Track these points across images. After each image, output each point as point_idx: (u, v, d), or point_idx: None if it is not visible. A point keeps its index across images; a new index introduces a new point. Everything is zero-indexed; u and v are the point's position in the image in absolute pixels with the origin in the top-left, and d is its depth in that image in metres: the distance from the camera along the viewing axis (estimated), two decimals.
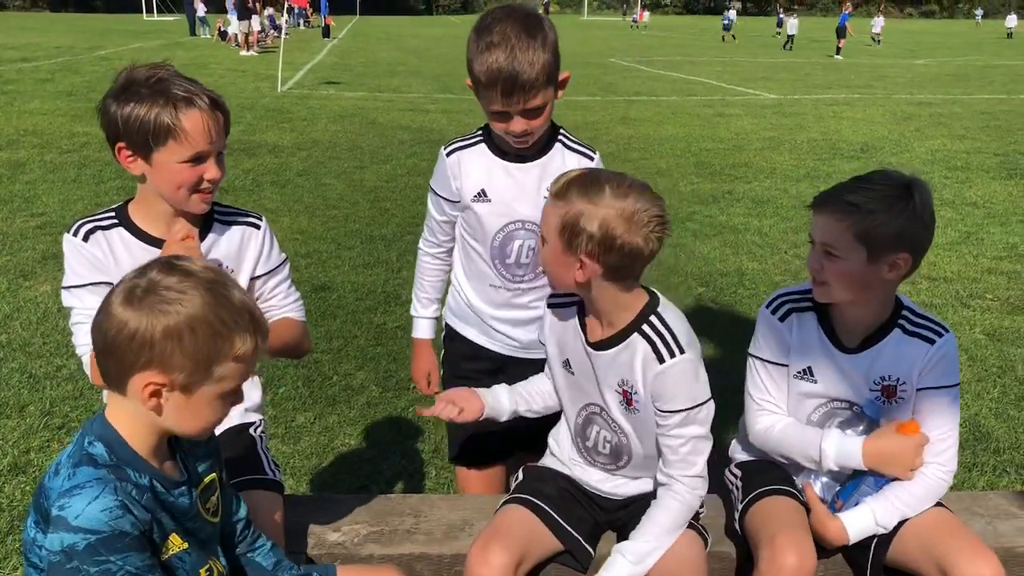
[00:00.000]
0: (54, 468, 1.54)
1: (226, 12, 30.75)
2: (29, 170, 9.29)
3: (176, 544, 1.60)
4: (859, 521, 2.12)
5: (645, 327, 2.02)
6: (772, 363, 2.26)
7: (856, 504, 2.17)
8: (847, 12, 33.16)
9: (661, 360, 1.99)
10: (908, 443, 2.13)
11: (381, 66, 23.98)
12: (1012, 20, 54.09)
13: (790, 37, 36.68)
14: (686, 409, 2.01)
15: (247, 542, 1.86)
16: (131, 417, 1.55)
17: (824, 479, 2.25)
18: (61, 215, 7.38)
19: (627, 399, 2.08)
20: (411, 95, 17.45)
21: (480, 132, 2.51)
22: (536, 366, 2.47)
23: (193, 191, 2.02)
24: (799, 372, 2.24)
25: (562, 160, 2.45)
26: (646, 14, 64.14)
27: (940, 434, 2.15)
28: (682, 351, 2.00)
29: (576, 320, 2.14)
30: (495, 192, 2.44)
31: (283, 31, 20.85)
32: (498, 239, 2.47)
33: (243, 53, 26.43)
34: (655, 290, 2.09)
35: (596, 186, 1.93)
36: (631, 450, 2.16)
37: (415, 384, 2.86)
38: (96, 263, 2.05)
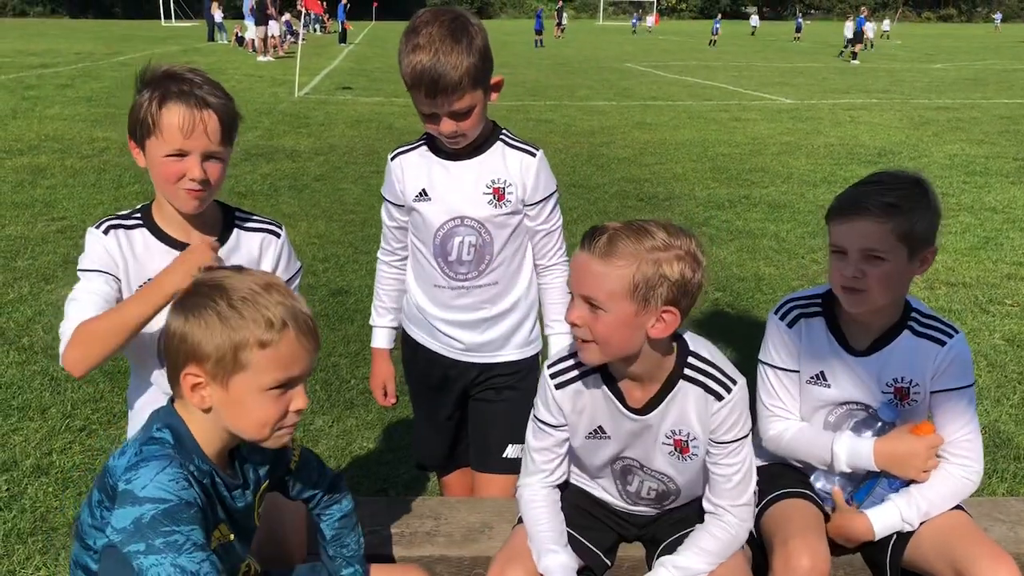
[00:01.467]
0: (121, 450, 1.58)
1: (243, 18, 30.94)
2: (50, 175, 9.38)
3: (223, 534, 1.63)
4: (885, 517, 2.13)
5: (688, 371, 1.98)
6: (783, 369, 2.27)
7: (871, 505, 2.18)
8: (863, 16, 32.95)
9: (720, 398, 1.97)
10: (919, 444, 2.13)
11: (397, 71, 23.96)
12: None
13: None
14: (743, 438, 2.01)
15: (320, 507, 1.94)
16: (196, 416, 1.61)
17: (837, 478, 2.26)
18: (81, 219, 7.45)
19: (680, 448, 2.04)
20: None
21: (424, 136, 2.54)
22: (477, 369, 2.58)
23: (179, 187, 1.99)
24: (812, 377, 2.24)
25: (502, 157, 2.47)
26: (650, 19, 63.51)
27: (962, 435, 2.15)
28: (734, 382, 1.98)
29: (605, 388, 2.04)
30: (435, 190, 2.48)
31: (300, 36, 20.97)
32: (439, 236, 2.49)
33: (260, 59, 26.58)
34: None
35: (646, 234, 1.84)
36: (679, 491, 2.15)
37: (373, 395, 2.90)
38: (108, 254, 2.06)
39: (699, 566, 2.01)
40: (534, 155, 2.49)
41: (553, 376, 2.07)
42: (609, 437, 2.08)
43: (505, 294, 2.56)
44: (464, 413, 2.76)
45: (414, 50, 2.24)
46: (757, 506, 2.24)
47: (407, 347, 2.78)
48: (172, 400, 1.66)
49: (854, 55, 31.64)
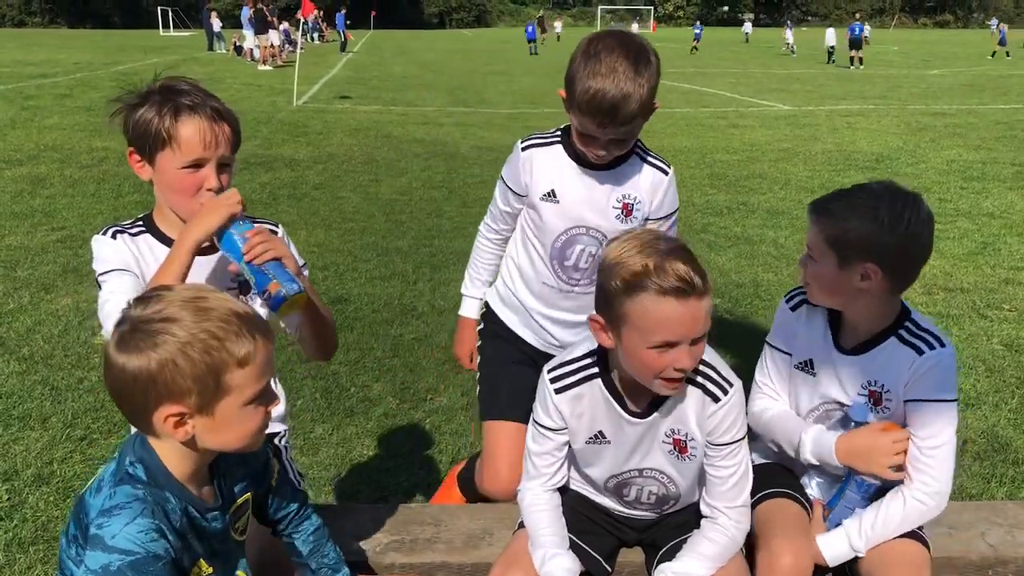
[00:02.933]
0: (96, 484, 1.56)
1: (241, 27, 31.03)
2: (49, 185, 9.40)
3: (202, 570, 1.62)
4: (835, 545, 2.13)
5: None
6: (777, 350, 2.32)
7: (844, 510, 2.17)
8: (861, 23, 33.12)
9: (716, 400, 1.99)
10: (882, 438, 2.08)
11: (395, 80, 24.13)
12: None
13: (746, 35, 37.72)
14: (740, 440, 2.03)
15: (292, 526, 1.94)
16: (164, 442, 1.57)
17: (819, 480, 2.27)
18: (81, 229, 7.46)
19: (679, 447, 2.06)
20: (425, 108, 17.55)
21: (559, 132, 2.52)
22: None
23: (196, 199, 2.00)
24: (800, 363, 2.27)
25: (636, 172, 2.47)
26: (635, 26, 57.66)
27: (927, 449, 2.07)
28: (731, 384, 2.00)
29: (605, 393, 2.06)
30: (564, 194, 2.46)
31: (298, 46, 21.02)
32: (560, 241, 2.50)
33: (260, 68, 26.65)
34: None
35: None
36: (679, 493, 2.16)
37: (458, 360, 2.93)
38: (122, 254, 2.07)
39: (699, 572, 2.02)
40: (667, 173, 2.51)
41: (553, 380, 2.08)
42: (609, 442, 2.08)
43: None
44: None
45: (594, 76, 2.21)
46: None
47: (493, 323, 2.79)
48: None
49: (860, 60, 31.46)
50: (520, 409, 2.62)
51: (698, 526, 2.11)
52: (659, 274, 1.77)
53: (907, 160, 11.82)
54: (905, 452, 2.09)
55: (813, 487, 2.29)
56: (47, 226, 7.68)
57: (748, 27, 57.31)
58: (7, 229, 7.56)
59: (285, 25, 34.14)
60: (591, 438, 2.09)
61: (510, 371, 2.71)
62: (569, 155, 2.47)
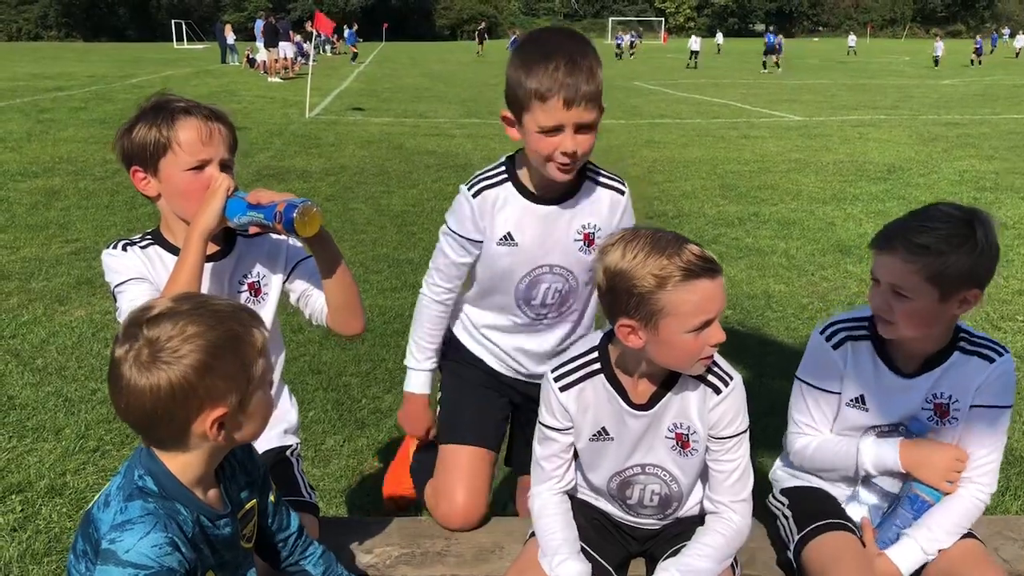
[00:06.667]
0: (103, 499, 1.56)
1: (254, 40, 31.25)
2: (64, 197, 9.47)
3: None
4: (908, 555, 2.11)
5: None
6: (819, 389, 2.25)
7: (893, 529, 2.16)
8: (772, 32, 37.71)
9: (718, 391, 2.01)
10: (947, 449, 2.14)
11: (407, 91, 24.22)
12: None
13: (693, 53, 38.94)
14: (741, 433, 2.05)
15: (298, 552, 1.91)
16: (183, 453, 1.57)
17: (873, 501, 2.23)
18: (95, 241, 7.51)
19: (682, 442, 2.07)
20: (437, 120, 17.61)
21: (504, 170, 2.36)
22: (536, 389, 2.40)
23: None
24: (851, 400, 2.22)
25: (592, 198, 2.37)
26: (632, 36, 53.79)
27: (985, 452, 2.14)
28: (731, 376, 2.03)
29: (608, 387, 2.08)
30: (523, 238, 2.33)
31: (311, 58, 21.14)
32: (524, 283, 2.39)
33: (271, 80, 26.81)
34: None
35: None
36: (682, 495, 2.16)
37: (413, 437, 2.74)
38: (134, 264, 2.10)
39: (704, 564, 2.02)
40: (623, 192, 2.42)
41: (557, 379, 2.10)
42: (612, 438, 2.10)
43: (581, 327, 2.54)
44: (502, 405, 2.66)
45: (546, 58, 2.09)
46: (795, 535, 2.21)
47: (457, 351, 2.61)
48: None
49: (776, 64, 35.85)
50: (480, 435, 2.56)
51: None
52: (685, 262, 1.86)
53: (919, 171, 11.77)
54: (962, 469, 2.15)
55: (862, 510, 2.24)
56: (61, 238, 7.74)
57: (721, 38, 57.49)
58: (22, 241, 7.62)
59: (297, 37, 34.36)
60: (594, 435, 2.11)
61: (476, 393, 2.60)
62: (521, 192, 2.32)
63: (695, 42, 40.34)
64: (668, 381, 2.04)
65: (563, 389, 2.09)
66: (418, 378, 2.58)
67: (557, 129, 2.13)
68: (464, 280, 2.48)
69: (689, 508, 2.20)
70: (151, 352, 1.47)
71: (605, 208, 2.37)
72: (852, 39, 52.06)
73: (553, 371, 2.12)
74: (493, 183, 2.35)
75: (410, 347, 2.59)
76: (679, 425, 2.06)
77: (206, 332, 1.49)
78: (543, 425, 2.15)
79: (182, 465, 1.58)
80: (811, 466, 2.30)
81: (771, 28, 42.85)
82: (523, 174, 2.34)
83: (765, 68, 35.93)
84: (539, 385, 2.37)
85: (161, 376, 1.46)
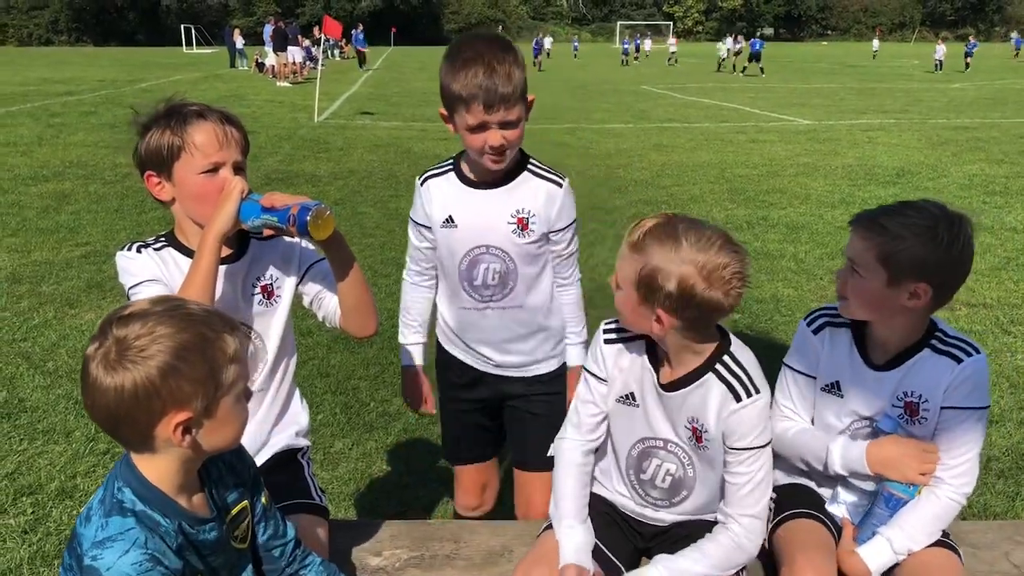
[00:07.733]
0: (86, 513, 1.55)
1: (263, 44, 31.38)
2: (74, 201, 9.53)
3: None
4: (878, 554, 2.10)
5: (719, 367, 2.02)
6: (800, 373, 2.30)
7: (872, 528, 2.16)
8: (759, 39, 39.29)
9: (738, 399, 2.00)
10: (912, 445, 2.11)
11: (415, 96, 24.25)
12: None
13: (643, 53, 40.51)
14: (757, 447, 2.02)
15: (296, 562, 1.88)
16: (157, 458, 1.55)
17: (848, 502, 2.24)
18: (105, 244, 7.55)
19: (696, 435, 2.08)
20: (445, 125, 17.61)
21: (452, 161, 2.60)
22: (510, 382, 2.67)
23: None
24: (827, 385, 2.25)
25: (529, 187, 2.52)
26: (648, 42, 55.35)
27: (958, 453, 2.11)
28: (757, 391, 2.01)
29: (645, 358, 2.12)
30: (461, 218, 2.53)
31: (319, 63, 21.22)
32: (465, 262, 2.55)
33: (280, 84, 26.91)
34: (727, 329, 2.09)
35: (673, 239, 1.90)
36: (692, 485, 2.16)
37: (411, 407, 2.89)
38: (149, 266, 2.11)
39: (694, 568, 2.02)
40: (560, 185, 2.53)
41: (605, 331, 2.18)
42: (638, 405, 2.13)
43: (529, 313, 2.62)
44: (492, 414, 2.84)
45: (466, 64, 2.31)
46: (770, 522, 2.23)
47: (440, 353, 2.83)
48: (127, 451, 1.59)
49: (743, 68, 37.40)
50: (477, 451, 2.94)
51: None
52: (720, 264, 1.93)
53: (928, 175, 11.74)
54: (932, 460, 2.12)
55: (841, 509, 2.26)
56: (72, 242, 7.78)
57: (728, 43, 57.68)
58: (33, 244, 7.67)
59: (306, 42, 34.48)
60: (622, 397, 2.15)
61: (463, 420, 2.86)
62: (462, 180, 2.55)
63: (729, 42, 41.83)
64: (695, 374, 2.03)
65: (607, 342, 2.16)
66: (407, 352, 2.82)
67: (483, 127, 2.35)
68: (434, 265, 2.70)
69: (697, 507, 2.20)
70: (118, 351, 1.45)
71: (542, 197, 2.51)
72: (876, 43, 55.47)
73: (605, 324, 2.19)
74: (439, 172, 2.61)
75: (400, 327, 2.84)
76: (694, 419, 2.06)
77: (175, 334, 1.46)
78: (586, 370, 2.22)
79: (159, 472, 1.55)
80: (786, 452, 2.30)
81: (760, 35, 45.44)
82: (465, 164, 2.56)
83: (744, 72, 36.83)
84: (512, 379, 2.69)
85: (126, 376, 1.44)
